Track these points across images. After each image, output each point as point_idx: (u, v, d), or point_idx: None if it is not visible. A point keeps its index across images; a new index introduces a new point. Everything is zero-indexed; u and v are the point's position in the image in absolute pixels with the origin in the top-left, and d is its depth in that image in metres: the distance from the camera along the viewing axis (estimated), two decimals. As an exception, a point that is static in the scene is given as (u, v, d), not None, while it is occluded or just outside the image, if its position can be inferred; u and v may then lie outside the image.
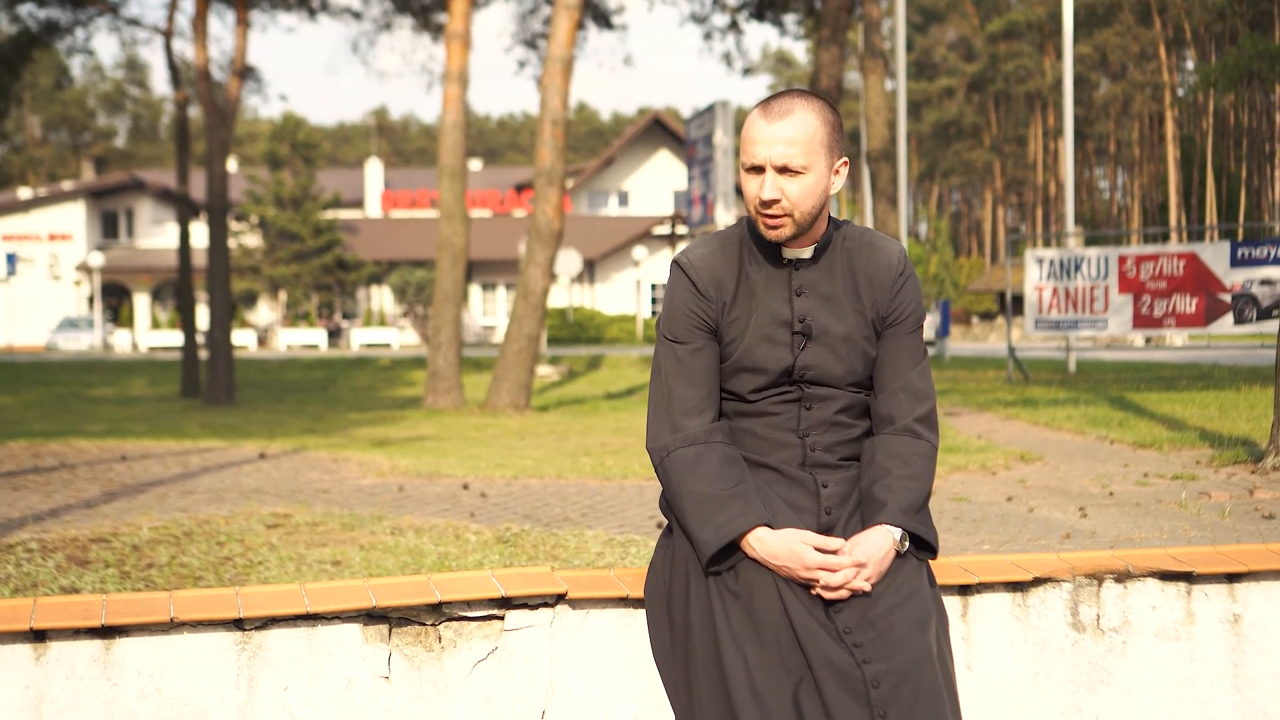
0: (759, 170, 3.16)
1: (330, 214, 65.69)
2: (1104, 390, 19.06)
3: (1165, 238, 69.25)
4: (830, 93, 23.11)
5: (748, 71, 31.83)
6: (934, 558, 3.24)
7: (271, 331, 63.69)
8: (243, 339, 58.93)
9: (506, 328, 19.46)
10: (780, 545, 3.06)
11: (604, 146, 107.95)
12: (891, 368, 3.30)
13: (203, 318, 44.47)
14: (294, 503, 8.21)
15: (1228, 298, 21.22)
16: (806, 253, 3.28)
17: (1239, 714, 3.75)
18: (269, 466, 10.59)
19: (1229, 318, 21.33)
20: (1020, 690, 3.60)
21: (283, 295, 64.83)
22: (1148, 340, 41.49)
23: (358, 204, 73.73)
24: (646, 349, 43.68)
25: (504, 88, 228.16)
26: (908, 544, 3.16)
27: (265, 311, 65.79)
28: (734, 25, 28.07)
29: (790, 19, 27.38)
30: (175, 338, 57.59)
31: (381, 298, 65.81)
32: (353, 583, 3.30)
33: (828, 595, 3.04)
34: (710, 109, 28.27)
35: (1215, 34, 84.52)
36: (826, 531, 3.18)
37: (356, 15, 29.47)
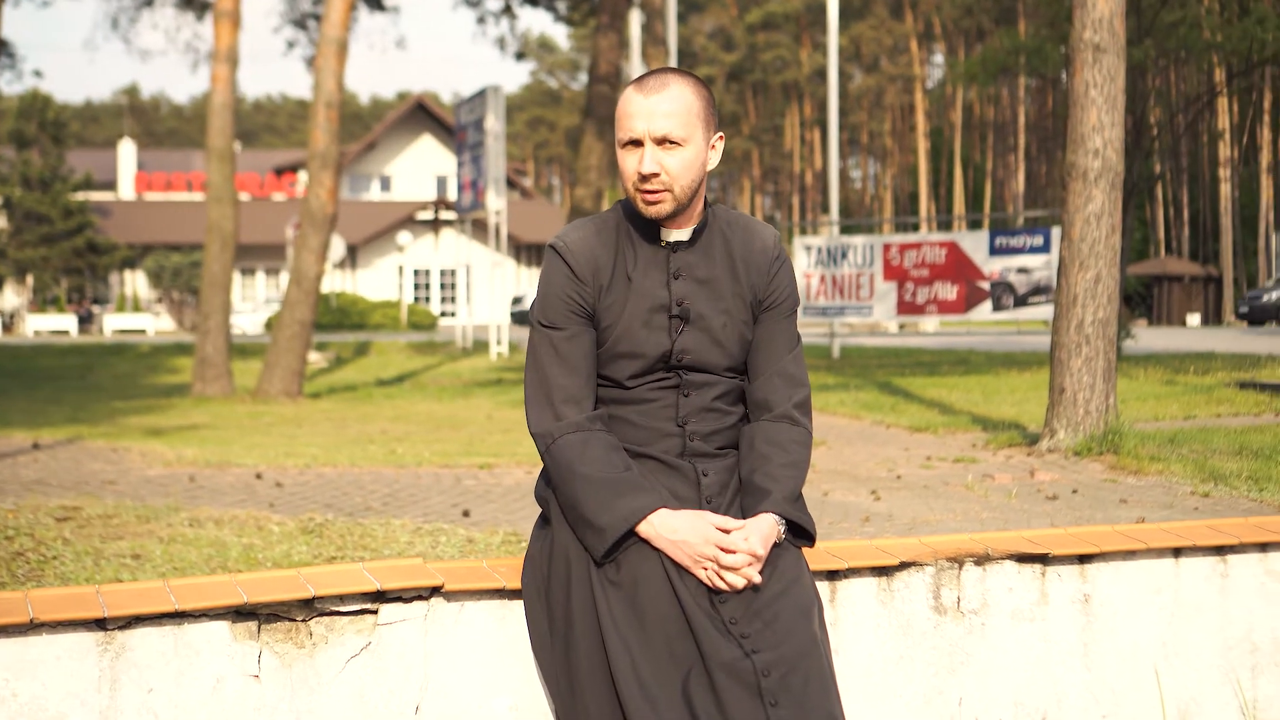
0: (637, 144, 3.13)
1: (81, 195, 63.48)
2: (870, 375, 19.50)
3: (916, 227, 71.24)
4: (610, 79, 23.15)
5: (521, 56, 31.71)
6: (811, 546, 3.25)
7: (18, 317, 61.36)
8: (-16, 324, 56.74)
9: (279, 313, 19.08)
10: (684, 521, 3.04)
11: (363, 130, 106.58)
12: (767, 352, 3.30)
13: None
14: (81, 494, 7.92)
15: (986, 285, 21.90)
16: (685, 234, 3.26)
17: (1088, 691, 3.86)
18: (45, 457, 10.19)
19: (987, 305, 22.01)
20: (885, 673, 3.65)
21: (30, 279, 62.51)
22: (901, 326, 42.65)
23: (110, 186, 71.45)
24: (413, 335, 43.27)
25: (260, 69, 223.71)
26: (785, 532, 3.18)
27: (10, 296, 63.35)
28: (507, 9, 27.97)
29: (562, 4, 27.41)
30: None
31: (135, 282, 63.93)
32: (220, 579, 3.18)
33: (724, 580, 3.03)
34: (481, 94, 28.07)
35: (964, 30, 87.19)
36: None
37: (116, -11, 28.52)
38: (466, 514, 7.27)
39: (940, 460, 9.55)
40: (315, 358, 27.43)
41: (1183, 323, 61.03)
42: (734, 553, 3.02)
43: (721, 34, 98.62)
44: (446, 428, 13.23)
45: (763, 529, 3.09)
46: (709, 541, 3.03)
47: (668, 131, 3.10)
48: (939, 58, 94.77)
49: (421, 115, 70.89)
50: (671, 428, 3.22)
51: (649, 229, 3.25)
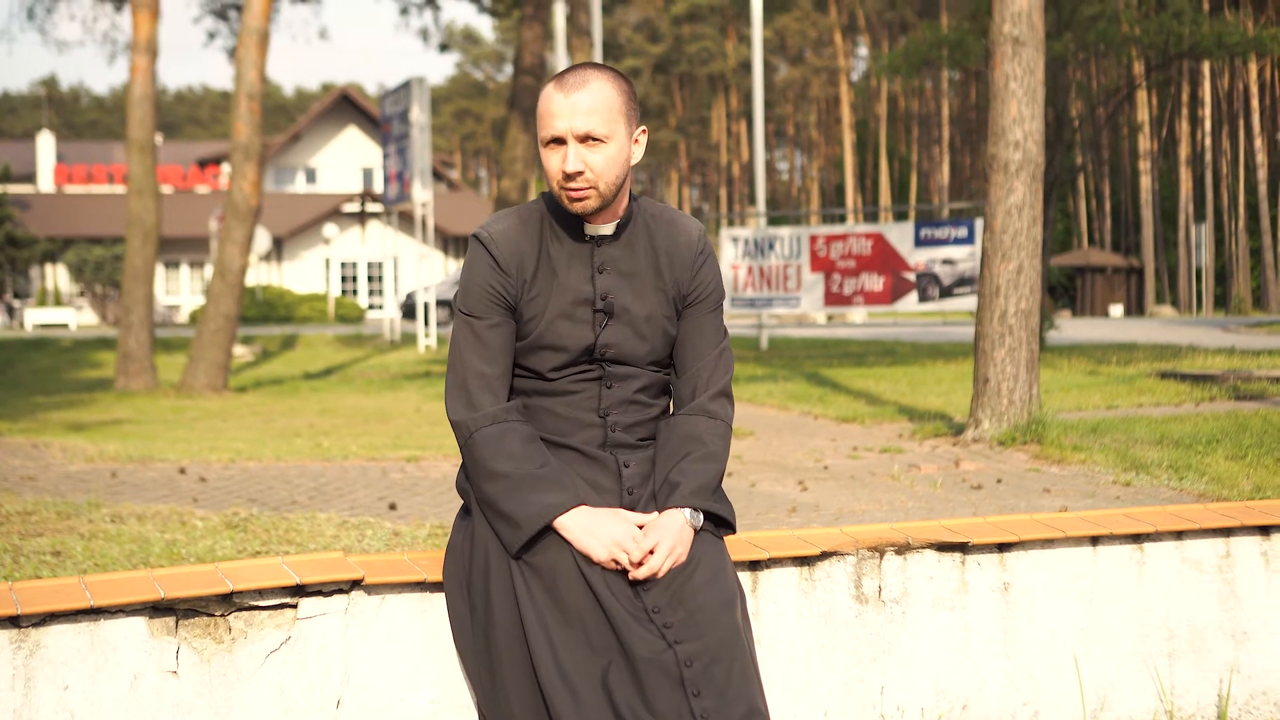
0: (560, 143, 3.13)
1: (-1, 188, 62.62)
2: (798, 366, 19.59)
3: (843, 219, 71.56)
4: (535, 70, 23.13)
5: (444, 47, 31.64)
6: (732, 532, 3.27)
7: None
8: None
9: (203, 307, 18.92)
10: (601, 520, 3.06)
11: (288, 122, 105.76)
12: (692, 347, 3.31)
13: None
14: (-1, 491, 7.82)
15: (912, 276, 22.02)
16: (609, 229, 3.26)
17: (1008, 678, 3.89)
18: (-38, 454, 10.05)
19: (913, 296, 22.14)
20: (807, 663, 3.66)
21: (-53, 274, 61.59)
22: (829, 318, 42.85)
23: (29, 178, 70.49)
24: (340, 328, 43.01)
25: (182, 60, 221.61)
26: (701, 520, 3.19)
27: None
28: (430, 1, 27.79)
29: (487, -5, 27.33)
30: None
31: (56, 276, 63.11)
32: (137, 574, 3.15)
33: (635, 572, 3.04)
34: (406, 85, 27.92)
35: (887, 22, 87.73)
36: (629, 510, 3.18)
37: (32, -21, 28.14)
38: (393, 507, 7.24)
39: (867, 450, 9.60)
40: (241, 351, 27.22)
41: (1105, 313, 61.72)
42: (641, 564, 3.05)
43: (647, 25, 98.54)
44: (374, 421, 13.17)
45: (672, 528, 3.11)
46: (626, 539, 3.05)
47: (590, 129, 3.10)
48: (863, 50, 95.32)
49: (346, 107, 70.41)
50: (593, 419, 3.23)
51: (573, 222, 3.25)
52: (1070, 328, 33.88)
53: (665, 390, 3.35)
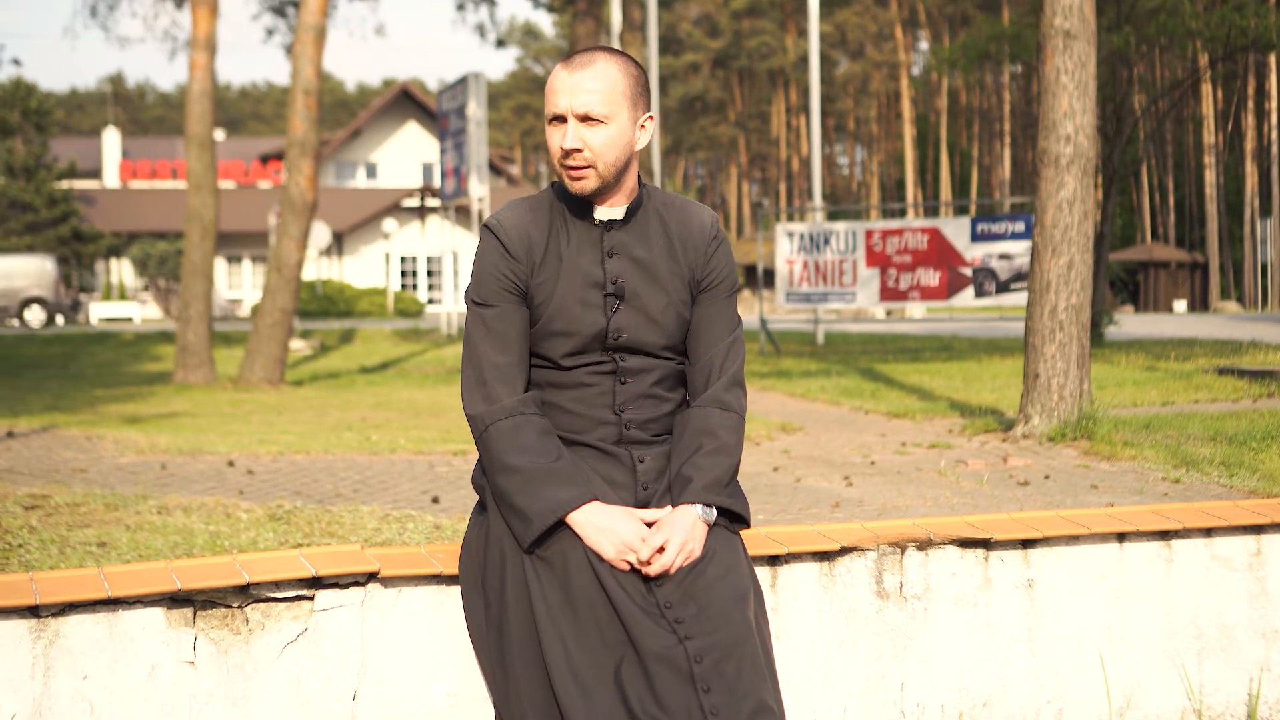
0: (561, 120, 3.16)
1: (66, 184, 63.27)
2: (853, 361, 19.52)
3: (903, 213, 71.27)
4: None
5: (501, 43, 31.80)
6: (746, 527, 3.26)
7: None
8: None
9: (260, 301, 19.07)
10: (614, 518, 3.06)
11: (349, 117, 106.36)
12: (706, 334, 3.31)
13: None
14: (50, 483, 7.89)
15: (968, 271, 21.89)
16: (618, 213, 3.27)
17: (1033, 675, 3.87)
18: (19, 445, 10.16)
19: (969, 291, 22.00)
20: (827, 658, 3.65)
21: (15, 268, 62.26)
22: (889, 313, 42.67)
23: (95, 174, 71.22)
24: (399, 322, 43.22)
25: (245, 56, 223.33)
26: (715, 515, 3.18)
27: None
28: (487, -5, 27.91)
29: (544, -9, 27.39)
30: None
31: (121, 270, 63.75)
32: (155, 565, 3.18)
33: (646, 570, 3.04)
34: (463, 81, 28.00)
35: (948, 16, 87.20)
36: (643, 506, 3.18)
37: (95, -23, 28.41)
38: (436, 500, 7.26)
39: (915, 446, 9.55)
40: (299, 345, 27.40)
41: (1169, 309, 61.18)
42: (650, 563, 3.05)
43: (706, 20, 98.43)
44: (426, 414, 13.22)
45: (683, 524, 3.11)
46: (635, 540, 3.05)
47: (589, 108, 3.12)
48: (924, 45, 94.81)
49: (407, 102, 70.70)
50: (609, 415, 3.23)
51: (582, 208, 3.27)
52: (1132, 323, 33.61)
53: (681, 381, 3.34)
